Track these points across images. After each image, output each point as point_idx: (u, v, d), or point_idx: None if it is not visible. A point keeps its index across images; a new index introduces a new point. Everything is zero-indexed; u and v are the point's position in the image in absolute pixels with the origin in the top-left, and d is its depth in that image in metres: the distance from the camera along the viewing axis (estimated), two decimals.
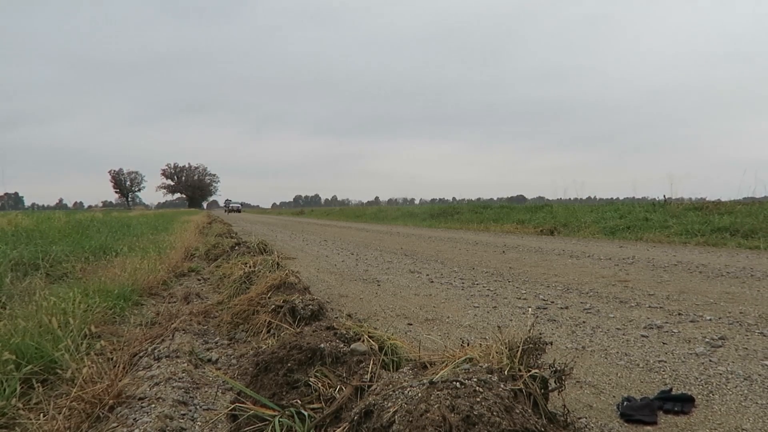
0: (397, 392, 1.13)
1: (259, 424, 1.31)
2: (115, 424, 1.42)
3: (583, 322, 2.69)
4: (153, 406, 1.52)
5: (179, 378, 1.78)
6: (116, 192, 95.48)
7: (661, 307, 2.99)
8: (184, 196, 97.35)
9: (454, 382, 1.11)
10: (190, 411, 1.56)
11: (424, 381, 1.15)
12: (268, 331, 2.26)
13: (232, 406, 1.41)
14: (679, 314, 2.80)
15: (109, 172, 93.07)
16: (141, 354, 2.07)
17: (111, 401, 1.55)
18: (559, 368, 1.31)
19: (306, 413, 1.30)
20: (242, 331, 2.44)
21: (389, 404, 1.10)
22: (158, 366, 1.88)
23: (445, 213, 18.76)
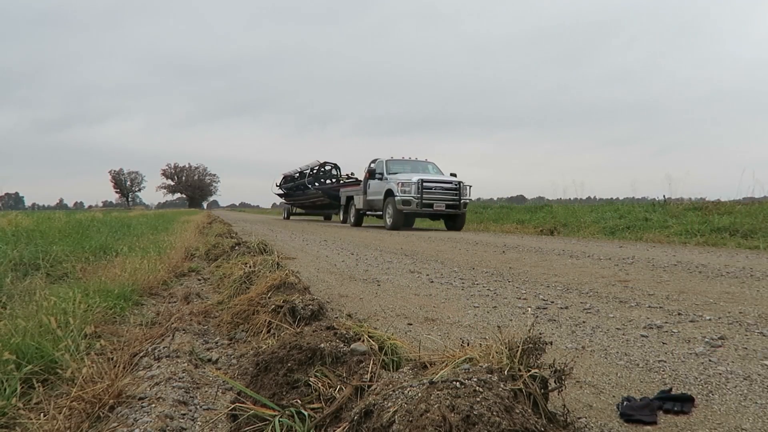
0: (397, 392, 1.13)
1: (259, 424, 1.31)
2: (115, 424, 1.42)
3: (583, 322, 2.69)
4: (153, 405, 1.52)
5: (179, 378, 1.78)
6: (116, 192, 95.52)
7: (660, 307, 2.99)
8: (184, 196, 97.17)
9: (454, 382, 1.11)
10: (190, 411, 1.56)
11: (424, 381, 1.15)
12: (268, 331, 2.26)
13: (232, 406, 1.41)
14: (679, 314, 2.80)
15: (110, 172, 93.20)
16: (141, 354, 2.07)
17: (111, 401, 1.56)
18: (559, 368, 1.31)
19: (306, 413, 1.30)
20: (242, 331, 2.44)
21: (389, 404, 1.10)
22: (158, 366, 1.88)
23: None
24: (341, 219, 18.05)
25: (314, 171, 22.80)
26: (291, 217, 26.74)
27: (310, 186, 21.97)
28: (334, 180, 22.29)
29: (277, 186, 27.56)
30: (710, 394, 1.66)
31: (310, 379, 1.43)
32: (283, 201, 27.72)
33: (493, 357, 1.31)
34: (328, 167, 22.85)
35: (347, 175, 20.74)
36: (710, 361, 1.99)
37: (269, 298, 2.61)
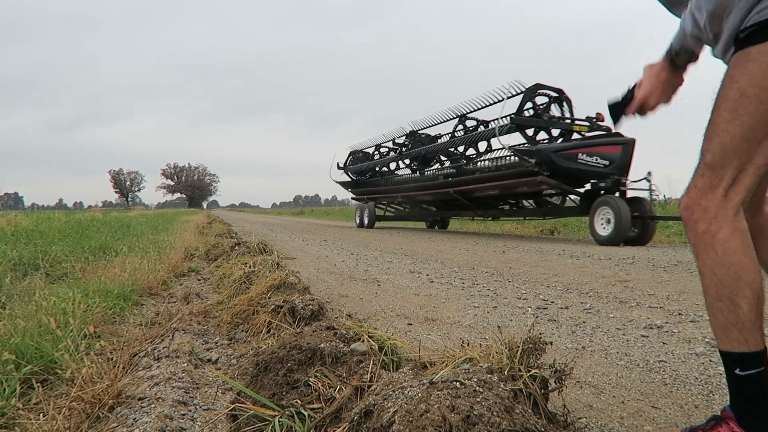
0: (397, 392, 1.13)
1: (259, 424, 1.31)
2: (114, 424, 1.42)
3: (583, 322, 2.69)
4: (153, 406, 1.52)
5: (179, 378, 1.78)
6: (116, 192, 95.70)
7: (661, 307, 2.99)
8: (184, 196, 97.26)
9: (454, 382, 1.11)
10: (190, 411, 1.56)
11: (424, 381, 1.15)
12: (268, 331, 2.26)
13: (232, 406, 1.41)
14: (680, 314, 2.80)
15: (109, 172, 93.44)
16: (141, 354, 2.07)
17: (111, 401, 1.55)
18: (559, 368, 1.31)
19: (306, 413, 1.30)
20: (242, 331, 2.44)
21: (389, 404, 1.10)
22: (158, 366, 1.88)
23: None
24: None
25: (510, 113, 8.65)
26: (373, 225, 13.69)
27: (502, 145, 8.89)
28: (562, 133, 8.61)
29: (339, 168, 15.11)
30: (710, 395, 1.66)
31: (310, 379, 1.43)
32: (352, 195, 15.49)
33: (493, 357, 1.31)
34: (541, 99, 8.73)
35: (592, 119, 8.50)
36: (711, 361, 1.99)
37: (269, 298, 2.61)
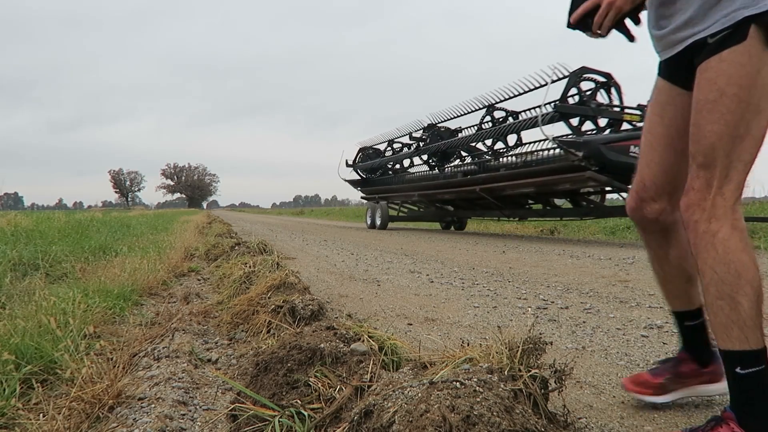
0: (397, 392, 1.13)
1: (259, 424, 1.31)
2: (114, 424, 1.42)
3: (584, 322, 2.69)
4: (153, 406, 1.52)
5: (179, 378, 1.78)
6: (116, 192, 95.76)
7: (661, 307, 2.99)
8: (184, 196, 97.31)
9: (454, 382, 1.11)
10: (190, 411, 1.56)
11: (424, 381, 1.15)
12: (268, 331, 2.26)
13: (232, 406, 1.41)
14: None
15: (109, 172, 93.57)
16: (141, 354, 2.07)
17: (111, 401, 1.55)
18: (559, 368, 1.31)
19: (306, 413, 1.30)
20: (242, 331, 2.44)
21: (389, 404, 1.10)
22: (158, 366, 1.88)
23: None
24: None
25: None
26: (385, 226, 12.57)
27: (545, 136, 7.67)
28: (611, 123, 7.73)
29: (348, 166, 14.25)
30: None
31: (310, 379, 1.43)
32: (361, 194, 14.75)
33: (493, 357, 1.31)
34: (586, 84, 7.73)
35: (644, 107, 7.14)
36: None
37: (269, 298, 2.61)
